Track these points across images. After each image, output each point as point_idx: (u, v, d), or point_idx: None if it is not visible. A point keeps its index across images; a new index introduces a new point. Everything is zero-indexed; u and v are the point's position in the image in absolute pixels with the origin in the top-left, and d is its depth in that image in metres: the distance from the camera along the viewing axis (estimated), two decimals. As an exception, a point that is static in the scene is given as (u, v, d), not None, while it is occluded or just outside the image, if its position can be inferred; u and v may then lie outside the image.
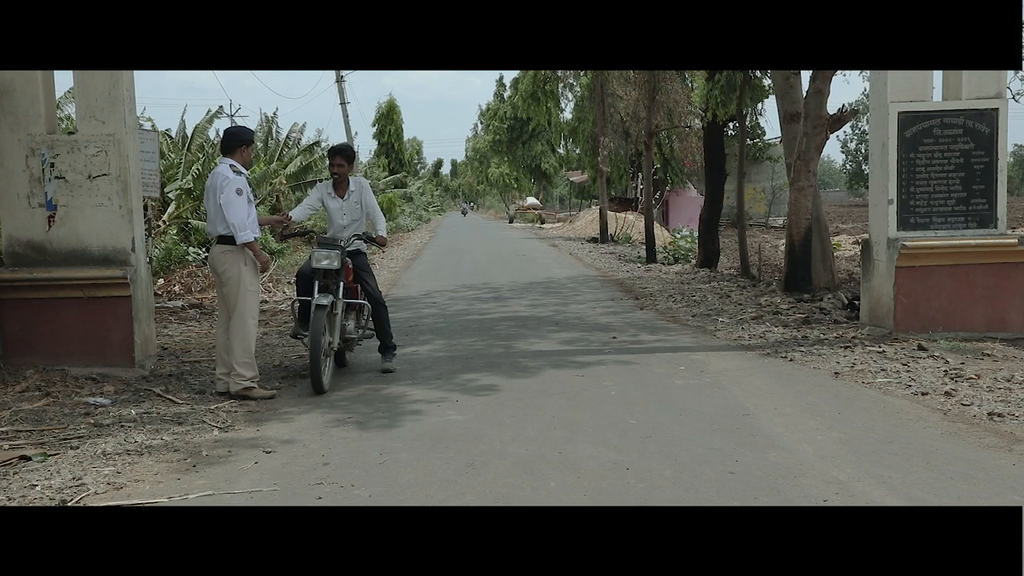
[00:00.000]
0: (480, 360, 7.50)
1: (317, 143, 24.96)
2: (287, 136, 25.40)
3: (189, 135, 17.89)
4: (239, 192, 6.01)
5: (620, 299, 11.99)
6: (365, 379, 6.82)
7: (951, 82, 7.83)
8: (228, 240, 6.06)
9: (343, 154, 7.11)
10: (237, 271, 6.09)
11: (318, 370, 6.20)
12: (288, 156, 23.63)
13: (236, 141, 6.23)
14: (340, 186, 7.09)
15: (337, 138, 35.80)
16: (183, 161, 15.90)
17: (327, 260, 6.48)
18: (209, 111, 19.01)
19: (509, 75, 47.97)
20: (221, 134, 6.85)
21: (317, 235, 7.10)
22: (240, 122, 33.35)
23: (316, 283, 6.49)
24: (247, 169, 6.30)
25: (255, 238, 6.14)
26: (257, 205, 6.56)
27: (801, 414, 5.39)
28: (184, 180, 14.90)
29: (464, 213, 71.09)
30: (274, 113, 30.43)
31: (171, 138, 18.04)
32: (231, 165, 6.12)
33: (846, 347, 7.38)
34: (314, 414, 5.66)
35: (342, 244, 6.67)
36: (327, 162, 7.79)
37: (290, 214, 7.05)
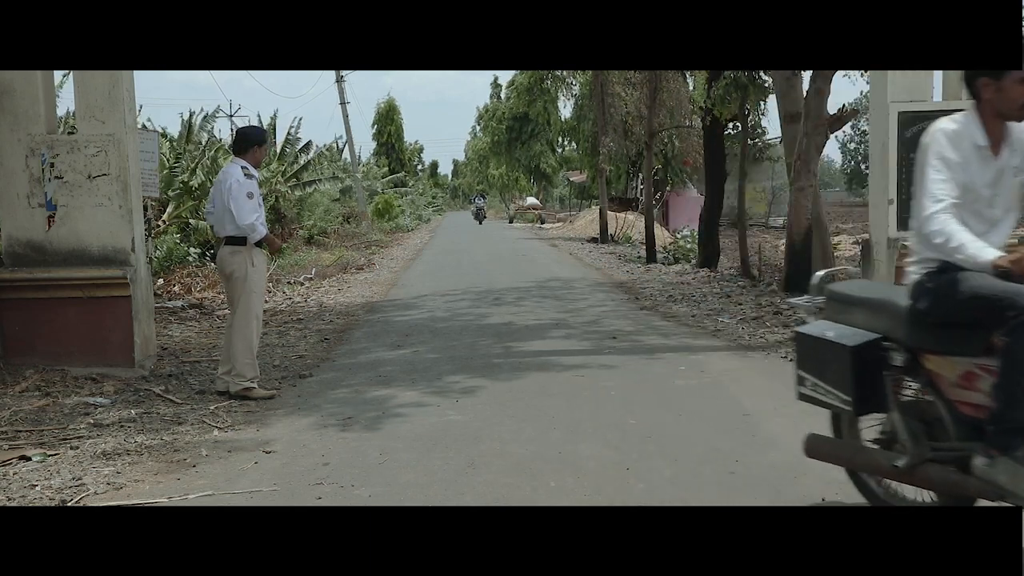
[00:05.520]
0: (480, 360, 7.49)
1: (310, 142, 24.99)
2: (287, 136, 25.37)
3: (194, 135, 17.95)
4: (250, 196, 6.08)
5: (620, 299, 11.99)
6: (365, 379, 6.82)
7: (951, 82, 7.82)
8: (235, 241, 6.10)
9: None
10: (244, 271, 6.12)
11: None
12: (290, 155, 23.64)
13: (249, 142, 6.26)
14: (995, 134, 3.36)
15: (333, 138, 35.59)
16: (185, 160, 15.90)
17: None
18: (202, 108, 19.10)
19: (505, 76, 47.91)
20: (233, 134, 6.88)
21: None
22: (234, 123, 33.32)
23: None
24: (258, 169, 6.34)
25: (266, 232, 6.25)
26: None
27: (801, 414, 5.38)
28: (186, 177, 14.90)
29: (478, 216, 46.66)
30: (273, 115, 30.18)
31: (183, 138, 18.08)
32: (243, 167, 6.15)
33: (846, 347, 7.37)
34: (314, 414, 5.66)
35: None
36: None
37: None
